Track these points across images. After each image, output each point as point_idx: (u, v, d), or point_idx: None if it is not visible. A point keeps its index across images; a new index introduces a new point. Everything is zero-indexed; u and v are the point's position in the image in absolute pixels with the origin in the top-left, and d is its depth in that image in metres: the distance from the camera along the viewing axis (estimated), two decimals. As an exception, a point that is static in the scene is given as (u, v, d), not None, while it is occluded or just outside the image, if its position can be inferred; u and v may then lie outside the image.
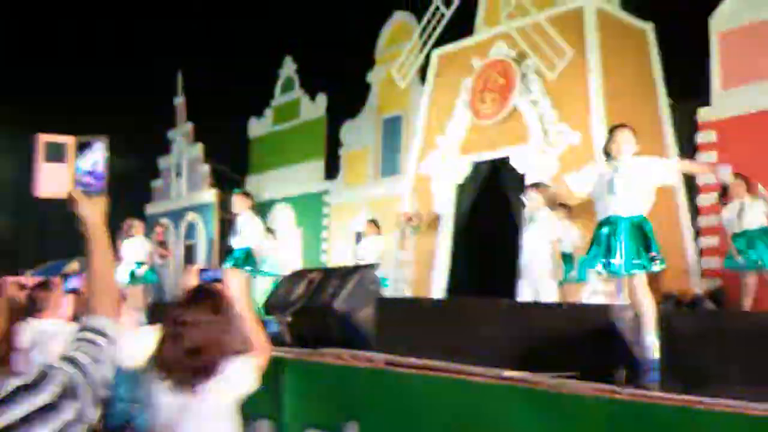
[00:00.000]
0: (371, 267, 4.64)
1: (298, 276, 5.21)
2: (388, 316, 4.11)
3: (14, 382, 1.48)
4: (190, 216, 19.49)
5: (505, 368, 3.44)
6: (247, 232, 8.05)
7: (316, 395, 4.27)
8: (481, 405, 3.26)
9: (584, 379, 3.06)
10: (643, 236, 4.72)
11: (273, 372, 4.55)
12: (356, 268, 4.67)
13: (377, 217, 12.93)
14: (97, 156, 1.96)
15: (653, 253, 4.58)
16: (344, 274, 4.69)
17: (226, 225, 17.02)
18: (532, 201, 7.03)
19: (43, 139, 1.98)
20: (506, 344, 3.41)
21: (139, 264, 10.05)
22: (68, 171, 1.92)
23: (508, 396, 3.13)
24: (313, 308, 4.66)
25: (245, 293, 2.81)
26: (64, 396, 1.53)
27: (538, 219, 6.96)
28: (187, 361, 2.53)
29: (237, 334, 2.67)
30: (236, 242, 8.23)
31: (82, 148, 1.96)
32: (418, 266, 11.58)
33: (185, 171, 20.11)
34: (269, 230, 11.97)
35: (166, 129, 21.12)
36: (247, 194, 8.45)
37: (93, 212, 1.86)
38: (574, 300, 8.21)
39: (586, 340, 3.08)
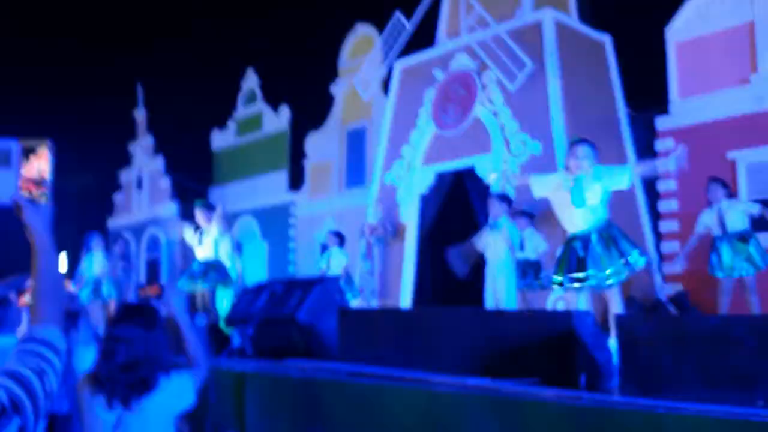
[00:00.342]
0: (334, 278, 4.61)
1: (260, 288, 5.15)
2: (351, 326, 4.09)
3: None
4: (152, 229, 19.22)
5: (469, 376, 3.43)
6: (211, 243, 7.96)
7: (279, 408, 4.22)
8: (445, 413, 3.25)
9: (547, 385, 3.07)
10: (614, 243, 4.79)
11: (236, 385, 4.49)
12: (319, 279, 4.64)
13: (343, 228, 12.91)
14: (42, 162, 1.92)
15: (626, 259, 4.66)
16: (307, 285, 4.65)
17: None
18: (493, 209, 7.10)
19: None
20: (469, 352, 3.41)
21: (98, 279, 9.85)
22: (13, 177, 1.87)
23: (472, 404, 3.12)
24: (276, 320, 4.61)
25: (184, 309, 2.86)
26: (5, 413, 1.48)
27: (499, 227, 7.03)
28: (121, 376, 2.55)
29: (170, 350, 2.68)
30: (199, 254, 8.13)
31: (26, 153, 1.91)
32: (384, 276, 11.56)
33: (146, 184, 19.85)
34: (235, 243, 11.83)
35: (127, 142, 20.86)
36: (209, 206, 8.35)
37: (38, 219, 1.81)
38: (537, 306, 8.28)
39: (549, 346, 3.10)
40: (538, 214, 8.09)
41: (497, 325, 3.29)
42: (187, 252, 12.88)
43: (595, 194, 4.84)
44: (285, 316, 4.52)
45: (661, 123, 10.37)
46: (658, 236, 10.30)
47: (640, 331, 2.72)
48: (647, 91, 10.95)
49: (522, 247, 7.31)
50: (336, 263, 10.21)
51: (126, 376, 2.55)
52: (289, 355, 4.56)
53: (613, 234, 4.78)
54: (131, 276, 14.60)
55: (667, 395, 2.64)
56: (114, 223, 20.97)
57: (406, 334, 3.83)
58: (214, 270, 7.73)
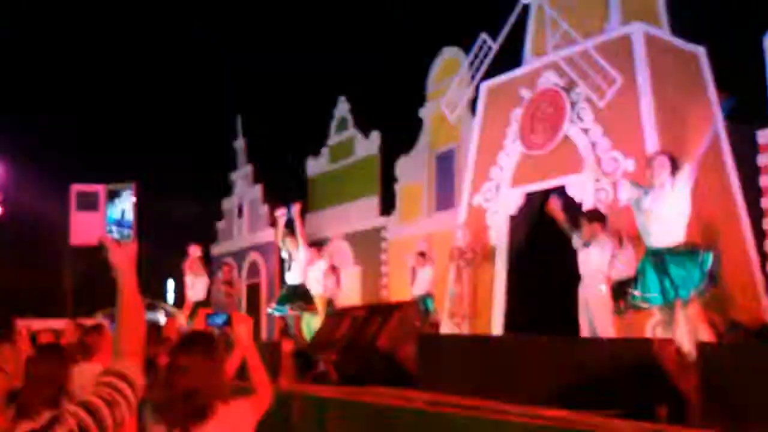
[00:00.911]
0: (414, 303, 4.63)
1: (342, 313, 5.23)
2: (430, 352, 4.08)
3: (25, 427, 1.54)
4: (252, 255, 19.85)
5: (547, 406, 3.35)
6: (299, 268, 8.15)
7: (359, 435, 4.24)
8: (521, 445, 3.18)
9: (626, 417, 2.96)
10: (688, 264, 4.61)
11: (317, 411, 4.56)
12: (398, 305, 4.66)
13: (434, 251, 12.89)
14: (126, 204, 2.04)
15: (700, 285, 4.47)
16: (387, 311, 4.68)
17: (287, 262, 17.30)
18: (584, 229, 6.91)
19: (75, 188, 2.07)
20: (546, 382, 3.33)
21: (199, 303, 10.26)
22: (100, 219, 2.01)
23: (548, 435, 3.04)
24: (357, 346, 4.66)
25: (251, 337, 2.88)
26: None
27: (591, 248, 6.82)
28: (180, 404, 2.56)
29: (228, 379, 2.71)
30: (289, 278, 8.34)
31: (111, 196, 2.04)
32: (475, 299, 11.44)
33: (246, 212, 20.56)
34: (334, 267, 12.00)
35: (229, 172, 21.71)
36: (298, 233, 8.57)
37: (123, 258, 1.93)
38: (638, 331, 7.94)
39: (628, 376, 2.99)
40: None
41: (575, 354, 3.21)
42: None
43: (670, 208, 4.66)
44: (365, 342, 4.57)
45: (763, 136, 9.81)
46: (764, 256, 9.71)
47: (722, 361, 2.58)
48: (747, 103, 10.39)
49: (614, 267, 7.03)
50: (423, 282, 10.25)
51: (185, 405, 2.56)
52: (369, 381, 4.59)
53: (686, 251, 4.59)
54: (236, 300, 15.12)
55: (752, 428, 2.50)
56: (217, 249, 21.81)
57: (484, 361, 3.79)
58: (300, 295, 7.90)
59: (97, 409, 1.70)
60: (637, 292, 4.63)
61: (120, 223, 2.03)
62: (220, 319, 3.05)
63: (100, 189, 2.04)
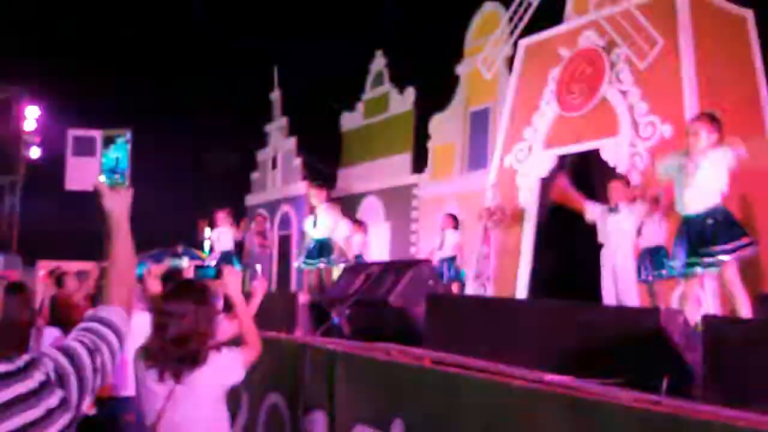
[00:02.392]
0: (429, 262, 4.59)
1: (358, 269, 5.23)
2: (439, 312, 4.06)
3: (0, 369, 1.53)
4: (285, 207, 19.99)
5: (551, 371, 3.31)
6: (324, 223, 8.16)
7: (365, 390, 4.27)
8: (521, 408, 3.17)
9: (629, 386, 2.90)
10: (725, 227, 4.50)
11: (327, 363, 4.59)
12: (413, 263, 4.63)
13: (465, 211, 12.80)
14: (122, 149, 2.02)
15: (732, 243, 4.35)
16: (401, 268, 4.66)
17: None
18: (615, 194, 6.75)
19: (72, 133, 2.06)
20: (553, 347, 3.28)
21: (226, 254, 10.38)
22: (96, 164, 1.99)
23: (547, 400, 3.02)
24: (370, 302, 4.66)
25: (240, 291, 2.95)
26: (49, 383, 1.57)
27: (619, 213, 6.67)
28: (172, 350, 2.64)
29: (220, 325, 2.80)
30: (314, 233, 8.37)
31: (107, 142, 2.01)
32: (501, 261, 11.37)
33: (280, 164, 20.64)
34: (357, 222, 12.04)
35: (265, 123, 21.74)
36: (322, 186, 8.57)
37: (117, 205, 1.91)
38: (664, 301, 7.81)
39: (634, 345, 2.92)
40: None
41: (582, 320, 3.14)
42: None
43: (706, 174, 4.51)
44: (378, 298, 4.56)
45: (811, 106, 9.43)
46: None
47: (728, 334, 2.50)
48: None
49: (639, 234, 6.89)
50: (449, 245, 10.20)
51: (177, 350, 2.64)
52: (380, 337, 4.59)
53: (724, 218, 4.46)
54: (267, 251, 15.29)
55: (755, 406, 2.42)
56: (251, 200, 22.00)
57: (492, 324, 3.75)
58: (326, 249, 7.93)
59: (76, 355, 1.68)
60: (672, 263, 4.58)
61: (114, 170, 2.01)
62: (210, 272, 3.09)
63: (97, 134, 2.02)
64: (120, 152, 2.01)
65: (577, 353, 3.14)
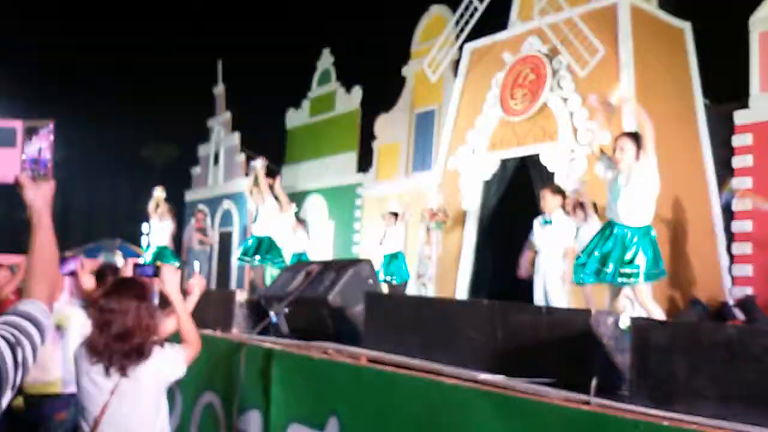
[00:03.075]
0: (369, 261, 4.58)
1: (297, 267, 5.19)
2: (377, 311, 4.06)
3: None
4: (226, 204, 19.71)
5: (485, 371, 3.35)
6: (266, 220, 8.08)
7: (301, 389, 4.24)
8: (453, 407, 3.19)
9: (559, 386, 2.96)
10: (645, 250, 4.62)
11: (264, 362, 4.54)
12: (353, 262, 4.62)
13: (408, 211, 12.87)
14: (44, 141, 1.95)
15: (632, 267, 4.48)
16: (340, 267, 4.64)
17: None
18: (545, 202, 6.89)
19: None
20: (486, 346, 3.32)
21: (162, 249, 10.16)
22: (17, 156, 1.91)
23: (479, 399, 3.05)
24: (308, 300, 4.62)
25: (177, 289, 3.04)
26: None
27: (552, 221, 6.83)
28: (116, 345, 2.73)
29: (161, 320, 2.91)
30: (256, 229, 8.27)
31: (30, 132, 1.94)
32: (443, 262, 11.47)
33: (222, 159, 20.34)
34: (300, 221, 11.97)
35: (207, 118, 21.38)
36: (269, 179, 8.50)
37: (38, 197, 1.85)
38: (597, 304, 7.99)
39: (565, 345, 2.98)
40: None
41: (515, 320, 3.19)
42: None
43: (636, 190, 4.64)
44: (317, 297, 4.53)
45: (740, 117, 9.80)
46: (731, 237, 9.78)
47: (654, 336, 2.57)
48: (727, 83, 10.37)
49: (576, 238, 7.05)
50: (392, 241, 10.25)
51: (122, 345, 2.72)
52: (319, 336, 4.56)
53: (647, 241, 4.59)
54: (208, 248, 15.06)
55: (680, 407, 2.49)
56: (191, 196, 21.61)
57: (428, 323, 3.77)
58: (266, 247, 7.85)
59: None
60: (581, 264, 4.69)
61: (36, 161, 1.94)
62: (149, 270, 3.16)
63: (18, 125, 1.94)
64: (42, 144, 1.95)
65: (510, 353, 3.18)
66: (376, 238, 14.61)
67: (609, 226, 4.80)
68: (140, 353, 2.74)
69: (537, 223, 7.05)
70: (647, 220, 4.81)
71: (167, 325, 3.30)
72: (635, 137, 5.03)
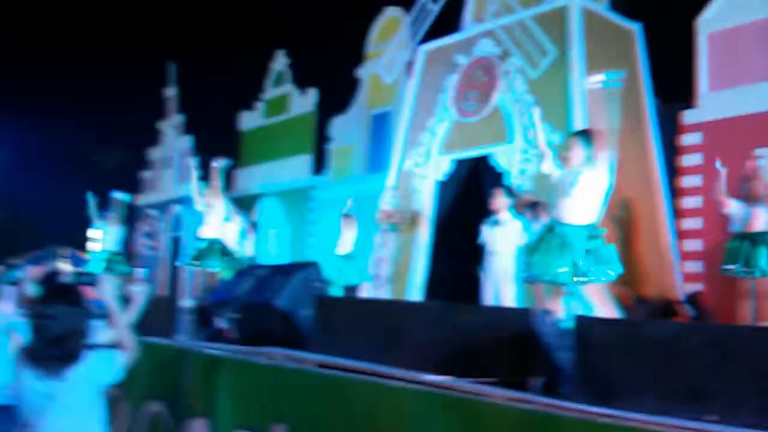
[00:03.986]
0: (316, 265, 4.53)
1: (246, 271, 5.10)
2: (325, 315, 4.01)
3: None
4: (178, 208, 19.38)
5: (432, 371, 3.32)
6: (216, 223, 7.94)
7: (249, 395, 4.17)
8: (400, 408, 3.16)
9: (504, 385, 2.94)
10: (595, 251, 4.63)
11: (208, 370, 4.44)
12: (301, 265, 4.56)
13: (364, 213, 12.80)
14: None
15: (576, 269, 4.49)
16: (289, 271, 4.58)
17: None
18: (495, 202, 6.90)
19: None
20: (433, 347, 3.30)
21: (112, 254, 9.93)
22: None
23: (425, 400, 3.02)
24: (256, 305, 4.55)
25: (114, 296, 3.15)
26: None
27: (501, 222, 6.83)
28: (49, 350, 2.84)
29: (97, 328, 3.09)
30: (206, 232, 8.11)
31: None
32: (398, 264, 11.44)
33: (174, 163, 19.99)
34: (252, 225, 11.84)
35: (158, 121, 21.00)
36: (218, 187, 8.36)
37: None
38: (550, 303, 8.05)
39: (508, 345, 2.97)
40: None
41: (460, 321, 3.17)
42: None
43: (583, 190, 4.67)
44: (264, 302, 4.46)
45: (688, 117, 10.00)
46: (680, 234, 9.96)
47: (595, 335, 2.57)
48: (675, 83, 10.57)
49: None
50: (344, 244, 10.21)
51: (55, 350, 2.83)
52: (266, 341, 4.49)
53: (596, 243, 4.60)
54: (158, 252, 14.79)
55: (620, 403, 2.50)
56: (142, 200, 21.20)
57: (376, 326, 3.74)
58: (215, 251, 7.71)
59: None
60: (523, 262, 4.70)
61: None
62: (87, 278, 3.33)
63: None
64: None
65: (456, 353, 3.17)
66: (332, 241, 14.55)
67: (553, 225, 4.81)
68: (73, 358, 2.84)
69: (486, 224, 7.05)
70: (591, 219, 4.81)
71: (108, 332, 3.35)
72: (586, 136, 5.04)
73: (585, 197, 4.77)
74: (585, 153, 4.88)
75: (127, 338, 3.08)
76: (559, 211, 4.87)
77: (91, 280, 3.25)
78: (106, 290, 3.14)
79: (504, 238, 6.83)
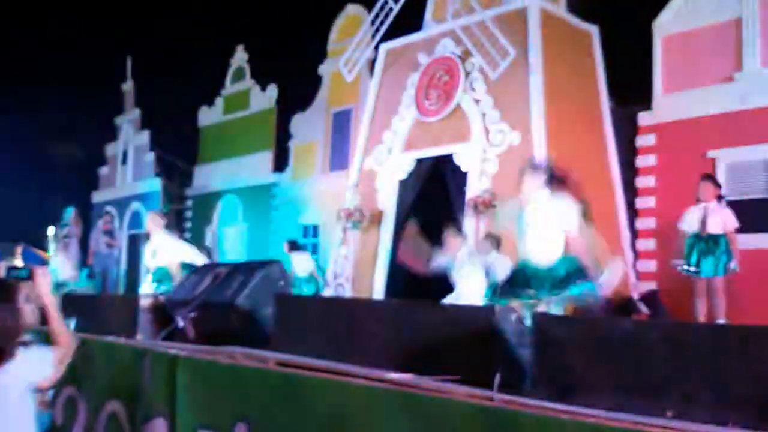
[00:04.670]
0: (278, 263, 4.50)
1: (205, 270, 5.04)
2: (286, 313, 3.99)
3: None
4: (135, 205, 19.07)
5: (394, 370, 3.33)
6: (163, 252, 7.80)
7: (209, 395, 4.11)
8: (363, 407, 3.16)
9: (465, 382, 2.96)
10: (573, 276, 4.60)
11: (168, 368, 4.38)
12: (263, 264, 4.52)
13: (325, 211, 12.77)
14: None
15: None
16: (250, 269, 4.54)
17: (171, 214, 16.70)
18: (450, 244, 6.63)
19: None
20: (395, 345, 3.31)
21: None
22: None
23: (386, 398, 3.03)
24: (216, 304, 4.50)
25: (50, 291, 3.07)
26: None
27: (460, 269, 6.55)
28: None
29: (26, 323, 2.99)
30: (152, 263, 7.85)
31: None
32: (359, 263, 11.45)
33: (131, 159, 19.66)
34: (202, 248, 11.43)
35: (115, 115, 20.63)
36: (160, 214, 8.27)
37: None
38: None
39: (469, 342, 3.00)
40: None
41: (421, 319, 3.19)
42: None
43: (545, 226, 4.63)
44: (225, 300, 4.42)
45: (643, 119, 10.22)
46: (635, 233, 10.18)
47: (554, 332, 2.61)
48: (632, 85, 10.79)
49: (487, 274, 6.87)
50: (300, 268, 10.29)
51: None
52: (227, 340, 4.44)
53: (570, 269, 4.60)
54: (116, 251, 14.48)
55: (579, 400, 2.54)
56: (99, 197, 20.80)
57: (336, 324, 3.73)
58: (169, 277, 7.57)
59: None
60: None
61: None
62: (23, 273, 3.18)
63: None
64: None
65: (417, 351, 3.18)
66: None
67: (524, 267, 4.73)
68: (2, 355, 2.79)
69: (445, 262, 6.75)
70: (557, 254, 4.72)
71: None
72: (538, 168, 4.95)
73: (546, 231, 4.68)
74: (539, 184, 4.79)
75: (64, 333, 3.05)
76: (528, 251, 4.78)
77: (26, 274, 3.15)
78: (43, 284, 3.07)
79: (466, 280, 6.59)
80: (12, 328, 2.83)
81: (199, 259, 7.80)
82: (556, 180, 4.88)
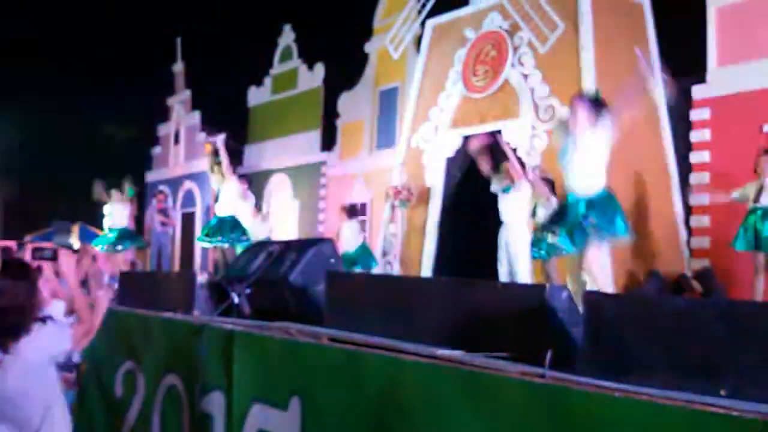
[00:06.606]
0: (331, 240, 4.57)
1: (259, 247, 5.15)
2: (338, 290, 4.06)
3: None
4: (188, 184, 19.46)
5: (443, 347, 3.38)
6: (227, 200, 8.01)
7: (264, 369, 4.24)
8: (414, 382, 3.22)
9: (515, 360, 3.00)
10: (606, 211, 4.66)
11: (225, 343, 4.52)
12: (315, 241, 4.61)
13: (372, 189, 12.82)
14: None
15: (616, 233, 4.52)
16: (302, 246, 4.62)
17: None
18: (508, 171, 6.88)
19: None
20: (445, 323, 3.35)
21: (123, 231, 10.02)
22: None
23: (438, 374, 3.08)
24: (270, 280, 4.60)
25: (74, 271, 3.28)
26: None
27: (511, 193, 6.84)
28: None
29: (43, 299, 3.11)
30: (218, 209, 8.17)
31: None
32: (407, 240, 11.51)
33: (183, 139, 20.03)
34: (257, 205, 11.79)
35: (166, 96, 21.00)
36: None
37: None
38: (558, 278, 8.10)
39: (520, 320, 3.01)
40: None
41: (472, 297, 3.22)
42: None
43: (587, 154, 4.66)
44: (278, 277, 4.51)
45: (697, 92, 9.95)
46: (688, 209, 9.97)
47: (606, 310, 2.61)
48: (685, 57, 10.49)
49: (534, 215, 7.09)
50: (347, 237, 10.28)
51: (1, 322, 2.89)
52: (281, 316, 4.56)
53: (605, 205, 4.62)
54: (171, 229, 14.88)
55: (632, 379, 2.55)
56: (152, 176, 21.29)
57: (388, 301, 3.78)
58: (229, 227, 7.78)
59: None
60: (551, 237, 4.73)
61: None
62: (47, 254, 3.35)
63: None
64: None
65: (468, 329, 3.21)
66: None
67: (566, 198, 4.82)
68: (19, 330, 2.90)
69: (497, 189, 7.06)
70: (600, 185, 4.81)
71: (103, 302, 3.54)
72: (588, 100, 5.00)
73: (591, 163, 4.75)
74: (587, 117, 4.85)
75: (85, 310, 3.18)
76: (571, 182, 4.85)
77: (50, 254, 3.30)
78: (66, 264, 3.21)
79: (516, 206, 6.85)
80: (26, 305, 2.94)
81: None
82: (600, 110, 4.95)
